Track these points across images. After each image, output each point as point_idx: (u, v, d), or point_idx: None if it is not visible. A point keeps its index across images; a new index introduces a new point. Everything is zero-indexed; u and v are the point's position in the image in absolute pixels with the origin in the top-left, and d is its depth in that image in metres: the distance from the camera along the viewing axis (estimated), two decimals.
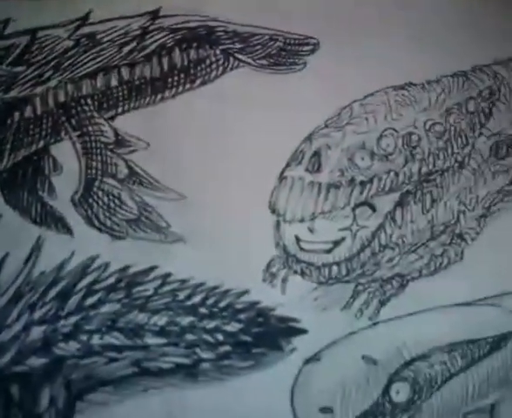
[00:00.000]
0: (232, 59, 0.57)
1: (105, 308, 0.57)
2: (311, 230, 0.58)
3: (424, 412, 0.57)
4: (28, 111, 0.58)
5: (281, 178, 0.57)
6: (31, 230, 0.58)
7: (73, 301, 0.57)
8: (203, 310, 0.57)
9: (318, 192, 0.57)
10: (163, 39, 0.57)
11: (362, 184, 0.57)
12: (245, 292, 0.58)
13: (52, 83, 0.58)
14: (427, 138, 0.57)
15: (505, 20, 0.60)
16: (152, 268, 0.57)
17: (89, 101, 0.57)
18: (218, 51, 0.57)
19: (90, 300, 0.57)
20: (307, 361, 0.57)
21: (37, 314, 0.56)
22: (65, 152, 0.58)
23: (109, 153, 0.57)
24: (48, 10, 0.57)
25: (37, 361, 0.56)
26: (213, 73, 0.57)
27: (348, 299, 0.59)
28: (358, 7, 0.60)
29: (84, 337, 0.56)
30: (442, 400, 0.58)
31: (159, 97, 0.57)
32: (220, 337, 0.58)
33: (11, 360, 0.56)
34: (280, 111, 0.57)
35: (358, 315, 0.59)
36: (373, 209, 0.58)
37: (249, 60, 0.57)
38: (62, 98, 0.58)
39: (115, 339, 0.57)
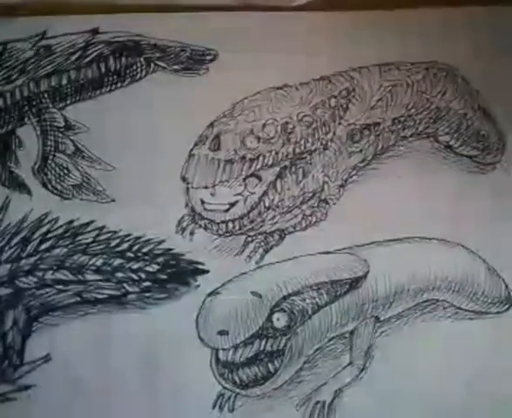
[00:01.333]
0: (152, 65, 0.64)
1: (56, 252, 0.63)
2: (212, 194, 0.63)
3: (299, 335, 0.62)
4: (0, 103, 0.64)
5: (190, 155, 0.63)
6: (1, 191, 0.64)
7: (32, 246, 0.63)
8: (129, 254, 0.64)
9: (217, 165, 0.62)
10: (100, 50, 0.63)
11: (251, 160, 0.62)
12: (162, 241, 0.64)
13: (19, 82, 0.63)
14: (300, 126, 0.63)
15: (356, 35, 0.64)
16: (91, 222, 0.64)
17: (46, 95, 0.64)
18: (142, 59, 0.63)
19: (44, 245, 0.63)
20: (209, 295, 0.63)
21: (4, 256, 0.63)
22: (28, 134, 0.64)
23: (60, 135, 0.64)
24: (15, 27, 0.63)
25: (3, 291, 0.63)
26: (138, 75, 0.64)
27: (240, 247, 0.64)
28: (245, 23, 0.64)
29: (39, 273, 0.63)
30: (312, 326, 0.63)
31: (98, 92, 0.64)
32: (143, 275, 0.64)
33: None
34: (189, 103, 0.63)
35: (247, 260, 0.64)
36: (260, 179, 0.63)
37: (165, 65, 0.64)
38: (26, 93, 0.64)
39: (63, 275, 0.63)
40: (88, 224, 0.63)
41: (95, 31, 0.63)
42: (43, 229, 0.63)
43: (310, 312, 0.62)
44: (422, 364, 0.62)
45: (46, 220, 0.64)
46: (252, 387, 0.62)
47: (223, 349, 0.62)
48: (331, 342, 0.63)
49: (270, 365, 0.62)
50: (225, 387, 0.62)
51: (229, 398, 0.62)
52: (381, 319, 0.63)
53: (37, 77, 0.63)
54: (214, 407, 0.62)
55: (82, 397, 0.62)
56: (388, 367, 0.62)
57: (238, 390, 0.62)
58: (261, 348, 0.62)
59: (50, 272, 0.63)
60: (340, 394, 0.62)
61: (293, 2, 0.62)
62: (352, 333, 0.63)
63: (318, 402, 0.62)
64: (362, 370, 0.62)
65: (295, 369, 0.62)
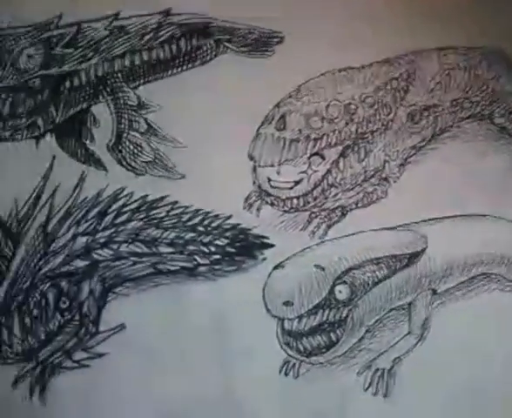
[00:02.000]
0: (221, 46, 0.65)
1: (131, 225, 0.66)
2: (278, 172, 0.65)
3: (359, 306, 0.65)
4: (75, 81, 0.65)
5: (257, 134, 0.65)
6: (77, 167, 0.66)
7: (107, 219, 0.66)
8: (200, 228, 0.66)
9: (283, 144, 0.64)
10: (172, 31, 0.65)
11: (315, 140, 0.64)
12: (230, 216, 0.66)
13: (93, 61, 0.65)
14: (362, 107, 0.65)
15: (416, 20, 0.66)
16: (164, 197, 0.66)
17: (119, 75, 0.65)
18: (211, 41, 0.65)
19: (119, 219, 0.66)
20: (275, 268, 0.66)
21: (81, 228, 0.66)
22: (102, 112, 0.66)
23: (133, 113, 0.65)
24: (90, 8, 0.65)
25: (80, 263, 0.66)
26: (208, 56, 0.65)
27: (304, 223, 0.66)
28: (311, 8, 0.66)
29: (114, 246, 0.66)
30: (373, 298, 0.65)
31: (169, 72, 0.65)
32: (213, 248, 0.66)
33: (62, 261, 0.65)
34: (256, 84, 0.65)
35: (311, 235, 0.66)
36: (323, 158, 0.65)
37: (234, 47, 0.65)
38: (100, 73, 0.65)
39: (137, 247, 0.66)
40: (161, 199, 0.66)
41: (167, 13, 0.65)
42: (119, 203, 0.66)
43: (370, 284, 0.65)
44: (475, 333, 0.65)
45: (122, 195, 0.66)
46: (315, 355, 0.65)
47: (288, 319, 0.65)
48: (390, 313, 0.66)
49: (332, 334, 0.65)
50: (290, 355, 0.65)
51: (294, 365, 0.65)
52: (438, 291, 0.65)
53: (110, 57, 0.65)
54: (280, 373, 0.65)
55: (154, 364, 0.65)
56: (443, 337, 0.65)
57: (302, 358, 0.65)
58: (324, 319, 0.65)
59: (125, 244, 0.66)
60: (399, 362, 0.65)
61: None
62: (410, 304, 0.66)
63: (378, 370, 0.65)
64: (420, 340, 0.65)
65: (356, 339, 0.65)
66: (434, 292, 0.65)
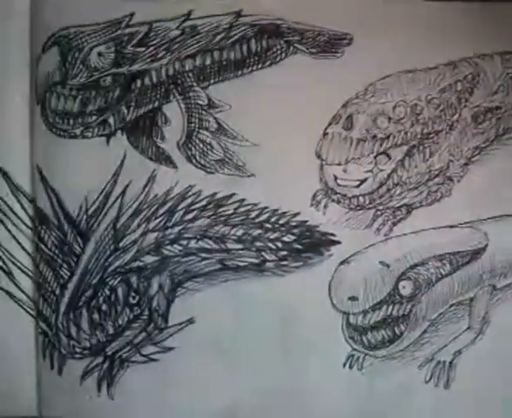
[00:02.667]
0: (291, 47, 0.65)
1: (199, 222, 0.66)
2: (345, 171, 0.66)
3: (423, 302, 0.66)
4: (146, 80, 0.65)
5: (324, 133, 0.65)
6: (148, 165, 0.66)
7: (177, 216, 0.66)
8: (268, 225, 0.66)
9: (350, 144, 0.65)
10: (243, 32, 0.65)
11: (381, 139, 0.65)
12: (298, 213, 0.66)
13: (164, 60, 0.65)
14: (428, 108, 0.65)
15: (482, 22, 0.66)
16: (232, 195, 0.66)
17: (190, 74, 0.65)
18: (282, 41, 0.65)
19: (188, 216, 0.66)
20: (341, 264, 0.66)
21: (151, 225, 0.66)
22: (173, 111, 0.66)
23: (203, 112, 0.65)
24: (161, 7, 0.64)
25: (150, 259, 0.66)
26: (278, 57, 0.65)
27: (370, 220, 0.67)
28: (382, 10, 0.65)
29: (184, 242, 0.66)
30: (436, 293, 0.66)
31: (239, 73, 0.65)
32: (280, 245, 0.66)
33: (132, 257, 0.66)
34: (324, 84, 0.65)
35: (376, 232, 0.66)
36: (389, 157, 0.66)
37: (303, 48, 0.65)
38: (171, 72, 0.65)
39: (206, 244, 0.66)
40: (229, 196, 0.66)
41: (239, 14, 0.65)
42: (188, 201, 0.66)
43: (434, 280, 0.66)
44: None
45: (190, 193, 0.66)
46: (379, 349, 0.67)
47: (353, 314, 0.66)
48: (452, 308, 0.67)
49: (396, 328, 0.66)
50: (354, 349, 0.67)
51: (358, 358, 0.67)
52: (498, 286, 0.67)
53: (181, 57, 0.65)
54: (344, 366, 0.67)
55: (222, 358, 0.66)
56: (502, 331, 0.67)
57: (366, 351, 0.67)
58: (388, 313, 0.66)
59: (194, 241, 0.66)
60: (459, 355, 0.67)
61: None
62: (471, 300, 0.67)
63: (439, 362, 0.67)
64: (479, 334, 0.67)
65: (419, 333, 0.67)
66: (494, 287, 0.66)
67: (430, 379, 0.67)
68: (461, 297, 0.67)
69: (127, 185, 0.66)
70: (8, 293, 0.67)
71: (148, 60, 0.65)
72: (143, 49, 0.65)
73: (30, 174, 0.66)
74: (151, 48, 0.65)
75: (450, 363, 0.67)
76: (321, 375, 0.67)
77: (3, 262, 0.66)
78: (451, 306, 0.67)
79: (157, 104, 0.66)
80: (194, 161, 0.66)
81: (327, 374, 0.67)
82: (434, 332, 0.67)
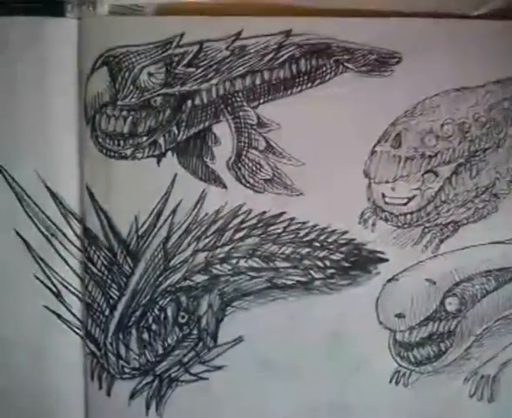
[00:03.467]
0: (341, 66, 0.65)
1: (249, 241, 0.66)
2: (393, 189, 0.66)
3: (468, 318, 0.67)
4: (197, 100, 0.65)
5: (373, 151, 0.66)
6: (198, 184, 0.66)
7: (226, 235, 0.66)
8: (316, 244, 0.66)
9: (398, 162, 0.66)
10: (292, 52, 0.65)
11: (430, 157, 0.66)
12: (346, 232, 0.66)
13: (214, 81, 0.65)
14: (475, 126, 0.66)
15: None
16: (282, 214, 0.66)
17: (240, 94, 0.65)
18: (331, 61, 0.65)
19: (238, 235, 0.66)
20: (388, 281, 0.67)
21: (201, 244, 0.66)
22: (223, 130, 0.66)
23: (253, 132, 0.66)
24: (211, 27, 0.64)
25: (199, 278, 0.67)
26: (328, 76, 0.65)
27: (417, 238, 0.67)
28: (430, 30, 0.65)
29: (233, 261, 0.66)
30: (481, 309, 0.67)
31: (289, 92, 0.65)
32: (328, 263, 0.67)
33: (182, 277, 0.66)
34: (373, 103, 0.65)
35: (424, 250, 0.67)
36: (437, 175, 0.66)
37: (353, 67, 0.65)
38: (221, 92, 0.65)
39: (255, 263, 0.66)
40: (278, 215, 0.66)
41: (288, 33, 0.64)
42: (238, 220, 0.66)
43: (479, 296, 0.67)
44: None
45: (240, 212, 0.66)
46: (424, 365, 0.68)
47: (400, 331, 0.67)
48: (497, 323, 0.68)
49: (442, 344, 0.67)
50: (400, 365, 0.68)
51: (404, 374, 0.68)
52: None
53: (231, 77, 0.65)
54: (391, 381, 0.68)
55: (271, 376, 0.67)
56: None
57: (412, 367, 0.68)
58: (434, 330, 0.67)
59: (244, 259, 0.66)
60: (504, 369, 0.68)
61: (474, 11, 0.65)
62: None
63: (483, 376, 0.68)
64: None
65: (464, 348, 0.68)
66: None
67: (475, 393, 0.68)
68: (506, 312, 0.68)
69: (177, 205, 0.66)
70: (56, 314, 0.67)
71: (198, 80, 0.65)
72: (193, 69, 0.65)
73: (79, 195, 0.65)
74: (202, 68, 0.65)
75: (494, 377, 0.68)
76: (368, 391, 0.68)
77: (52, 283, 0.66)
78: (496, 320, 0.68)
79: (207, 124, 0.66)
80: (243, 180, 0.66)
81: (374, 389, 0.68)
82: (479, 347, 0.68)
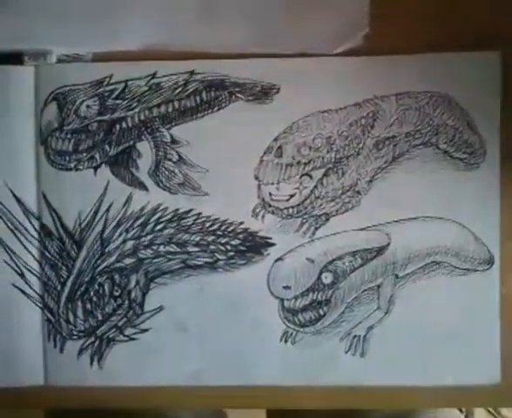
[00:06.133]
0: (233, 96, 0.74)
1: (166, 231, 0.76)
2: (277, 188, 0.76)
3: (340, 289, 0.76)
4: (124, 124, 0.75)
5: (261, 160, 0.75)
6: (126, 188, 0.76)
7: (149, 228, 0.76)
8: (219, 232, 0.76)
9: (281, 168, 0.75)
10: (196, 86, 0.73)
11: (304, 164, 0.74)
12: (242, 223, 0.76)
13: (137, 109, 0.75)
14: (339, 139, 0.72)
15: (381, 74, 0.74)
16: (191, 210, 0.76)
17: (157, 119, 0.74)
18: (226, 92, 0.74)
19: (157, 227, 0.76)
20: (276, 261, 0.76)
21: (129, 235, 0.76)
22: (144, 147, 0.76)
23: (168, 147, 0.75)
24: (133, 70, 0.75)
25: (128, 261, 0.77)
26: (224, 104, 0.74)
27: (298, 226, 0.76)
28: (301, 66, 0.73)
29: (154, 247, 0.76)
30: (350, 282, 0.77)
31: (194, 117, 0.74)
32: (229, 247, 0.76)
33: (115, 260, 0.77)
34: (260, 124, 0.74)
35: (303, 235, 0.76)
36: (311, 177, 0.75)
37: (243, 97, 0.74)
38: (142, 118, 0.75)
39: (172, 248, 0.76)
40: (189, 211, 0.76)
41: (192, 73, 0.74)
42: (157, 215, 0.76)
43: (348, 271, 0.76)
44: (428, 307, 0.77)
45: (159, 209, 0.76)
46: (307, 326, 0.77)
47: (287, 299, 0.77)
48: (364, 293, 0.77)
49: (320, 310, 0.76)
50: (288, 327, 0.77)
51: (291, 334, 0.77)
52: (400, 275, 0.77)
53: (150, 106, 0.75)
54: (281, 340, 0.78)
55: (186, 336, 0.77)
56: (405, 310, 0.77)
57: (298, 328, 0.77)
58: (314, 298, 0.76)
59: (163, 246, 0.76)
60: (371, 331, 0.77)
61: (333, 50, 0.77)
62: (379, 286, 0.77)
63: (355, 336, 0.77)
64: (386, 313, 0.77)
65: (338, 313, 0.77)
66: (397, 276, 0.77)
67: (349, 349, 0.78)
68: (370, 284, 0.77)
69: (110, 205, 0.77)
70: (21, 290, 0.78)
71: (124, 109, 0.75)
72: (120, 101, 0.75)
73: (37, 199, 0.77)
74: (127, 100, 0.75)
75: (364, 336, 0.78)
76: (263, 348, 0.78)
77: (17, 266, 0.78)
78: (363, 291, 0.77)
79: (132, 142, 0.76)
80: (161, 185, 0.76)
81: (268, 346, 0.78)
82: (350, 312, 0.77)
